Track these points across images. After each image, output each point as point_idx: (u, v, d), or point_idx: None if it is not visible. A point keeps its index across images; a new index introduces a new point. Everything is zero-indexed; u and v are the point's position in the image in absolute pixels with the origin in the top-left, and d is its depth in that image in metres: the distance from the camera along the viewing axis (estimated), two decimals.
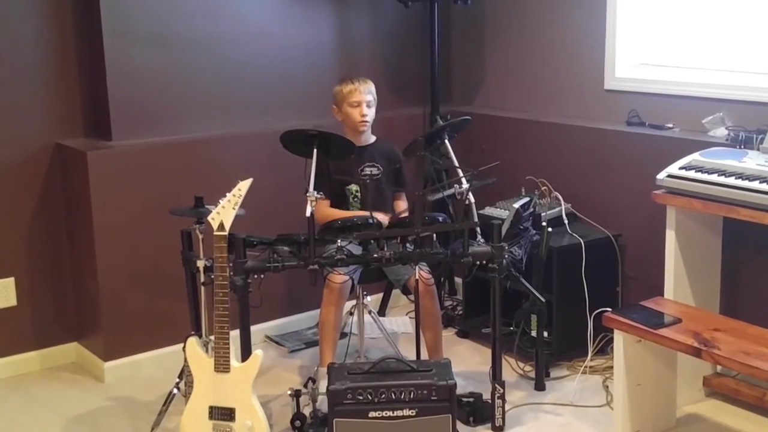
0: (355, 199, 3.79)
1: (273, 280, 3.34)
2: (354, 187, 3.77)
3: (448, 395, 3.04)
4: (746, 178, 3.17)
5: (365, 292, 3.85)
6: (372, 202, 3.70)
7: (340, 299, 3.60)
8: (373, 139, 3.88)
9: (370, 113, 3.78)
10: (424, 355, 3.57)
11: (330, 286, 3.57)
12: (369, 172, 3.79)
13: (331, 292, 3.58)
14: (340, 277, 3.54)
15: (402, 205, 3.88)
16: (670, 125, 3.91)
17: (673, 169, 3.39)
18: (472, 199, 3.51)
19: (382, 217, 3.53)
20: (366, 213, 3.50)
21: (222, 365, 3.07)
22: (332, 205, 3.74)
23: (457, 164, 3.65)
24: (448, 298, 4.68)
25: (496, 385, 3.33)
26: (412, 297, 3.96)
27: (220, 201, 3.05)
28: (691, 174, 3.32)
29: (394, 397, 3.02)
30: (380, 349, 4.01)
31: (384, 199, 3.82)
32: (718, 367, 3.55)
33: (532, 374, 3.82)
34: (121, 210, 3.85)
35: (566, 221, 3.98)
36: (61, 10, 3.87)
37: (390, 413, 3.02)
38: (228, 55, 4.14)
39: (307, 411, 3.37)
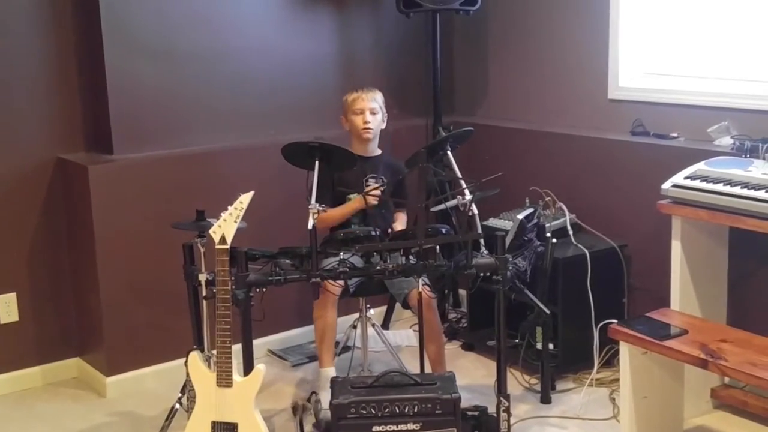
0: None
1: (275, 293, 3.32)
2: (355, 197, 3.74)
3: (452, 409, 3.01)
4: (752, 188, 3.15)
5: (368, 306, 3.83)
6: (374, 212, 3.68)
7: (334, 303, 3.58)
8: (379, 151, 3.88)
9: (374, 120, 3.77)
10: (428, 369, 3.55)
11: (323, 292, 3.53)
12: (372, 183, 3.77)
13: (324, 297, 3.55)
14: (333, 286, 3.52)
15: (401, 219, 3.87)
16: (675, 134, 3.89)
17: (678, 178, 3.37)
18: (476, 211, 3.49)
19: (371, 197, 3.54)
20: (361, 203, 3.52)
21: (224, 380, 3.04)
22: None
23: (459, 175, 3.63)
24: (453, 311, 4.65)
25: (501, 399, 3.29)
26: (412, 311, 3.94)
27: (222, 214, 3.03)
28: (697, 183, 3.30)
29: (398, 410, 2.99)
30: (384, 363, 3.98)
31: (386, 210, 3.80)
32: (726, 379, 3.52)
33: (538, 387, 3.79)
34: (122, 224, 3.84)
35: (571, 232, 3.96)
36: (62, 25, 3.87)
37: (394, 427, 2.99)
38: (229, 68, 4.13)
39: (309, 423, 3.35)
